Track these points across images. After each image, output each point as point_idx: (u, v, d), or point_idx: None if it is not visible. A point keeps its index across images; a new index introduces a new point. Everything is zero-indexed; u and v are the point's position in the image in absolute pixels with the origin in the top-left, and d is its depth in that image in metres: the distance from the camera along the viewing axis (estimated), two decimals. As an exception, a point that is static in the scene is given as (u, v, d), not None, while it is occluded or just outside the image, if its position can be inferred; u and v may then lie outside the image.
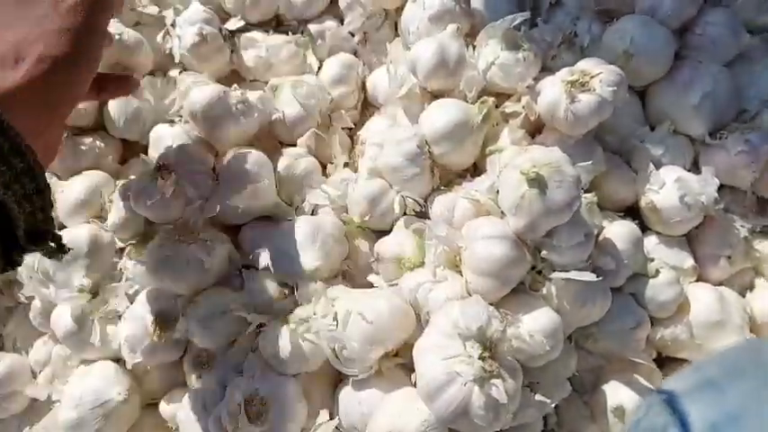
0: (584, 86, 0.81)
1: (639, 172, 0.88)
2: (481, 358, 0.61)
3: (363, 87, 1.05)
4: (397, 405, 0.68)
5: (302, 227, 0.83)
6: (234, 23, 1.02)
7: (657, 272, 0.82)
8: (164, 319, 0.79)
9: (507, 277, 0.71)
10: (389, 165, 0.84)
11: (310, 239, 0.82)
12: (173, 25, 0.99)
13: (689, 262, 0.86)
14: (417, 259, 0.81)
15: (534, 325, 0.70)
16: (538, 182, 0.69)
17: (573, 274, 0.71)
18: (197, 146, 0.88)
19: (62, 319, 0.84)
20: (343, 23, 1.07)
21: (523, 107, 0.86)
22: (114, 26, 0.91)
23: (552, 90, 0.82)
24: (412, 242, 0.83)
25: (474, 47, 0.91)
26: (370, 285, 0.85)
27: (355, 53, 1.08)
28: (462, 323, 0.63)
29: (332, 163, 0.96)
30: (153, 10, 0.99)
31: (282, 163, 0.91)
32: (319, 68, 1.04)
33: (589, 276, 0.70)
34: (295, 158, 0.91)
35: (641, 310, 0.81)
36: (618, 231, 0.80)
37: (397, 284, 0.80)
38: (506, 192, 0.73)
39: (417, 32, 0.94)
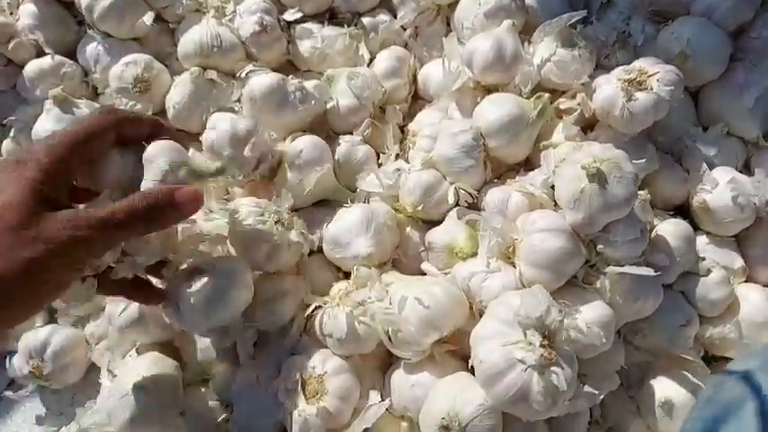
0: (641, 85, 0.82)
1: (692, 172, 0.89)
2: (542, 346, 0.62)
3: (414, 80, 1.07)
4: (453, 388, 0.69)
5: (357, 213, 0.85)
6: (291, 14, 1.04)
7: (709, 270, 0.83)
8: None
9: (562, 270, 0.73)
10: (444, 156, 0.85)
11: (364, 226, 0.84)
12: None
13: (739, 262, 0.87)
14: (469, 249, 0.83)
15: (590, 317, 0.71)
16: (598, 177, 0.70)
17: (629, 269, 0.72)
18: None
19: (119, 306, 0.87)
20: (395, 17, 1.09)
21: (578, 104, 0.87)
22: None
23: (609, 87, 0.83)
24: (464, 233, 0.84)
25: (529, 42, 0.92)
26: (420, 274, 0.86)
27: (406, 46, 1.09)
28: (523, 311, 0.64)
29: (384, 153, 0.97)
30: (214, 1, 1.02)
31: (341, 150, 0.93)
32: (371, 61, 1.06)
33: (646, 270, 0.71)
34: (353, 145, 0.93)
35: (691, 308, 0.82)
36: (671, 229, 0.81)
37: (449, 273, 0.82)
38: (564, 186, 0.74)
39: (472, 28, 0.96)
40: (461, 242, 0.84)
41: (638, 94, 0.81)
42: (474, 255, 0.82)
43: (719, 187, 0.85)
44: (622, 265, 0.74)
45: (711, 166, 0.89)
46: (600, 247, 0.74)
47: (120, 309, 0.87)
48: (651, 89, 0.81)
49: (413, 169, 0.89)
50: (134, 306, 0.86)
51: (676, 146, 0.93)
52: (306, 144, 0.88)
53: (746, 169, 0.91)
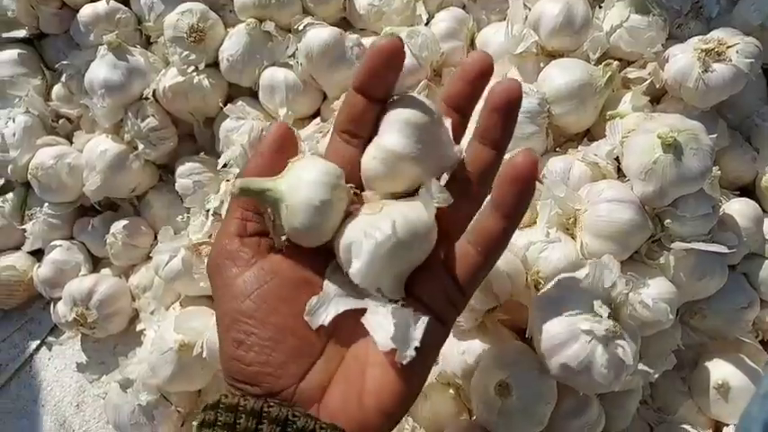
0: (719, 56, 0.78)
1: (762, 150, 0.85)
2: (609, 318, 0.61)
3: (472, 44, 1.03)
4: (508, 356, 0.68)
5: None
6: (350, -30, 1.01)
7: (775, 254, 0.80)
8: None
9: (628, 243, 0.71)
10: (507, 120, 0.83)
11: None
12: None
13: (804, 248, 0.84)
14: (528, 219, 0.81)
15: (654, 293, 0.69)
16: (674, 147, 0.67)
17: (698, 245, 0.69)
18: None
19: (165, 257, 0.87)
20: (455, -22, 1.05)
21: (649, 74, 0.84)
22: None
23: (684, 57, 0.79)
24: None
25: (600, 6, 0.89)
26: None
27: (464, 8, 1.06)
28: (591, 281, 0.62)
29: (437, 118, 0.95)
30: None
31: None
32: (428, 21, 1.03)
33: (717, 247, 0.69)
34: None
35: (753, 291, 0.80)
36: (740, 208, 0.79)
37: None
38: (635, 156, 0.71)
39: (540, -10, 0.92)
40: None
41: (716, 65, 0.77)
42: (532, 225, 0.80)
43: (790, 167, 0.81)
44: (689, 242, 0.71)
45: (781, 148, 0.85)
46: (667, 221, 0.71)
47: (165, 259, 0.87)
48: (729, 61, 0.77)
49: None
50: (179, 257, 0.86)
51: (746, 123, 0.89)
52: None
53: (819, 152, 0.87)
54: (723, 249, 0.69)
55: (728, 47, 0.78)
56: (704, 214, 0.70)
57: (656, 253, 0.73)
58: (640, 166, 0.70)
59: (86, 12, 0.98)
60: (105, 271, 1.01)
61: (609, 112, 0.82)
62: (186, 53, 0.94)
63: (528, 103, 0.81)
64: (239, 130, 0.88)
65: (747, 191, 0.88)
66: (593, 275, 0.63)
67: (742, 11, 0.88)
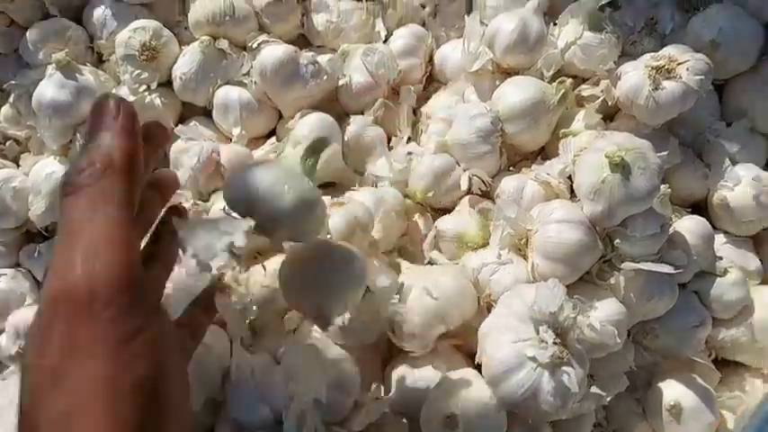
0: (669, 73, 0.78)
1: (713, 167, 0.86)
2: (555, 344, 0.60)
3: (430, 61, 1.03)
4: (458, 385, 0.67)
5: (365, 198, 0.82)
6: (308, -15, 1.00)
7: (726, 271, 0.80)
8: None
9: (578, 264, 0.70)
10: (460, 140, 0.82)
11: (372, 209, 0.81)
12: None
13: (755, 264, 0.84)
14: (481, 240, 0.80)
15: (603, 314, 0.69)
16: (622, 166, 0.67)
17: (646, 265, 0.69)
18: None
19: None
20: (415, -7, 1.05)
21: (602, 91, 0.84)
22: None
23: (635, 74, 0.79)
24: (475, 222, 0.82)
25: (554, 24, 0.89)
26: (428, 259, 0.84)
27: (424, 25, 1.05)
28: (537, 306, 0.62)
29: (395, 136, 0.94)
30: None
31: (351, 130, 0.90)
32: (387, 38, 1.02)
33: (665, 267, 0.69)
34: (364, 126, 0.90)
35: (704, 309, 0.80)
36: (689, 226, 0.79)
37: (458, 263, 0.79)
38: (585, 175, 0.71)
39: (496, 7, 0.92)
40: (472, 232, 0.81)
41: (666, 83, 0.78)
42: (485, 246, 0.80)
43: (741, 185, 0.82)
44: (638, 262, 0.71)
45: (734, 162, 0.86)
46: (617, 241, 0.71)
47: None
48: (680, 78, 0.78)
49: (426, 153, 0.87)
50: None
51: (698, 140, 0.90)
52: (313, 123, 0.85)
53: (768, 168, 0.88)
54: (670, 270, 0.69)
55: (679, 64, 0.79)
56: (653, 234, 0.70)
57: (607, 273, 0.73)
58: (589, 185, 0.70)
59: (35, 30, 0.96)
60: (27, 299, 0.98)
61: (562, 131, 0.82)
62: (138, 72, 0.92)
63: (481, 123, 0.81)
64: (189, 152, 0.87)
65: (699, 208, 0.88)
66: (539, 300, 0.62)
67: (694, 27, 0.89)
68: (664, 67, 0.78)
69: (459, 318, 0.73)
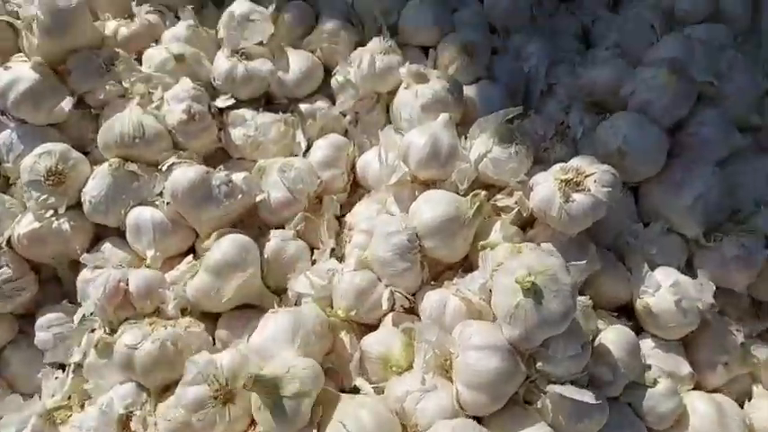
0: (578, 185, 0.79)
1: (634, 272, 0.86)
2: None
3: (353, 168, 1.03)
4: None
5: (283, 321, 0.78)
6: (223, 101, 1.00)
7: (656, 381, 0.78)
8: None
9: (500, 392, 0.68)
10: (379, 257, 0.80)
11: (290, 335, 0.77)
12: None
13: (685, 369, 0.83)
14: (405, 362, 0.77)
15: (530, 445, 0.65)
16: (533, 291, 0.66)
17: (570, 392, 0.67)
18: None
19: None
20: (334, 103, 1.06)
21: (516, 202, 0.84)
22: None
23: (545, 187, 0.80)
24: (399, 342, 0.79)
25: (466, 137, 0.90)
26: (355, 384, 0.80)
27: (346, 133, 1.06)
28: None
29: (318, 248, 0.92)
30: (139, 88, 0.97)
31: (270, 246, 0.88)
32: (308, 148, 1.02)
33: (587, 397, 0.67)
34: (284, 242, 0.88)
35: (639, 423, 0.77)
36: (614, 339, 0.77)
37: (383, 389, 0.75)
38: (500, 299, 0.70)
39: (410, 120, 0.93)
40: (397, 353, 0.78)
41: (576, 195, 0.78)
42: (410, 367, 0.77)
43: (662, 291, 0.82)
44: (564, 383, 0.69)
45: (653, 265, 0.86)
46: (539, 364, 0.69)
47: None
48: (588, 190, 0.79)
49: (346, 270, 0.84)
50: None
51: (618, 242, 0.91)
52: (226, 247, 0.82)
53: (689, 268, 0.88)
54: (591, 399, 0.67)
55: (586, 176, 0.80)
56: (574, 354, 0.69)
57: (534, 395, 0.70)
58: (504, 308, 0.68)
59: (-65, 157, 0.92)
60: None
61: (480, 243, 0.82)
62: (44, 197, 0.88)
63: (398, 240, 0.79)
64: (95, 282, 0.82)
65: (627, 309, 0.87)
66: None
67: (601, 133, 0.91)
68: (572, 179, 0.79)
69: (383, 455, 0.68)
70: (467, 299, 0.77)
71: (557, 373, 0.69)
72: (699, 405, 0.79)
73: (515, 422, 0.68)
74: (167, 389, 0.79)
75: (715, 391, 0.84)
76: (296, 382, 0.68)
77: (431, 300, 0.80)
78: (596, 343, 0.77)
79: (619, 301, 0.87)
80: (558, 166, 0.82)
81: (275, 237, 0.89)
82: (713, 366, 0.84)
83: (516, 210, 0.84)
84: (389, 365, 0.77)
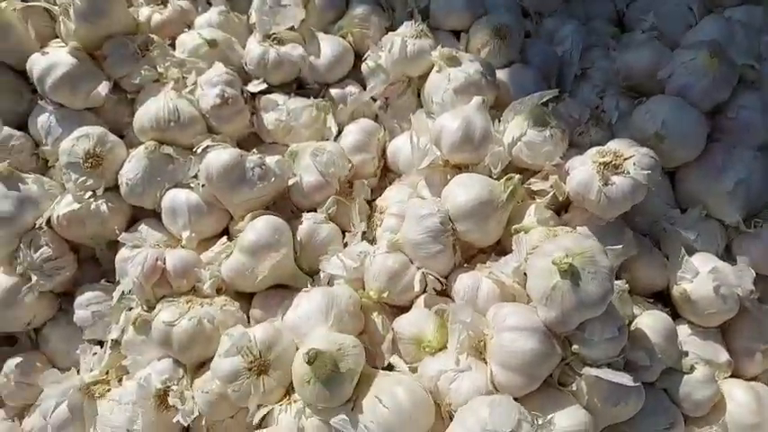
0: (617, 168, 0.78)
1: (671, 257, 0.84)
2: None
3: (384, 153, 1.03)
4: None
5: (317, 299, 0.79)
6: (255, 86, 1.01)
7: (693, 368, 0.77)
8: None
9: (536, 374, 0.67)
10: (411, 240, 0.80)
11: (324, 314, 0.77)
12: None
13: (723, 356, 0.81)
14: (438, 343, 0.77)
15: (565, 424, 0.65)
16: (570, 273, 0.65)
17: (607, 374, 0.66)
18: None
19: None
20: (365, 88, 1.06)
21: (551, 186, 0.83)
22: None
23: (584, 170, 0.79)
24: (432, 324, 0.78)
25: (499, 120, 0.89)
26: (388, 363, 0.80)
27: (376, 118, 1.06)
28: (491, 426, 0.58)
29: (349, 231, 0.92)
30: (173, 73, 0.98)
31: (303, 229, 0.88)
32: (339, 133, 1.02)
33: (625, 378, 0.66)
34: (316, 224, 0.89)
35: (675, 409, 0.76)
36: (651, 324, 0.76)
37: (417, 368, 0.76)
38: (536, 281, 0.69)
39: (442, 103, 0.92)
40: (429, 335, 0.78)
41: (615, 178, 0.78)
42: (443, 348, 0.76)
43: (700, 277, 0.80)
44: (600, 366, 0.68)
45: (691, 251, 0.84)
46: (575, 346, 0.68)
47: (52, 406, 0.80)
48: (627, 173, 0.78)
49: (378, 252, 0.84)
50: (64, 405, 0.79)
51: (654, 228, 0.89)
52: (260, 228, 0.83)
53: (728, 254, 0.86)
54: (629, 382, 0.66)
55: (625, 159, 0.79)
56: (611, 337, 0.68)
57: (569, 378, 0.70)
58: (540, 290, 0.68)
59: (-23, 141, 0.94)
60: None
61: (514, 227, 0.81)
62: (83, 179, 0.90)
63: (431, 223, 0.79)
64: (133, 261, 0.84)
65: (663, 295, 0.86)
66: (494, 420, 0.59)
67: (638, 118, 0.90)
68: (611, 162, 0.78)
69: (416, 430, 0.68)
70: (500, 281, 0.76)
71: (593, 356, 0.69)
72: (737, 393, 0.78)
73: (550, 403, 0.68)
74: (203, 365, 0.80)
75: (753, 379, 0.83)
76: (349, 359, 0.69)
77: (464, 282, 0.80)
78: (633, 327, 0.76)
79: (655, 287, 0.86)
80: (594, 150, 0.81)
81: (308, 219, 0.90)
82: (752, 354, 0.82)
83: (551, 194, 0.83)
84: (422, 346, 0.77)
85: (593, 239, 0.70)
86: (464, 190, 0.80)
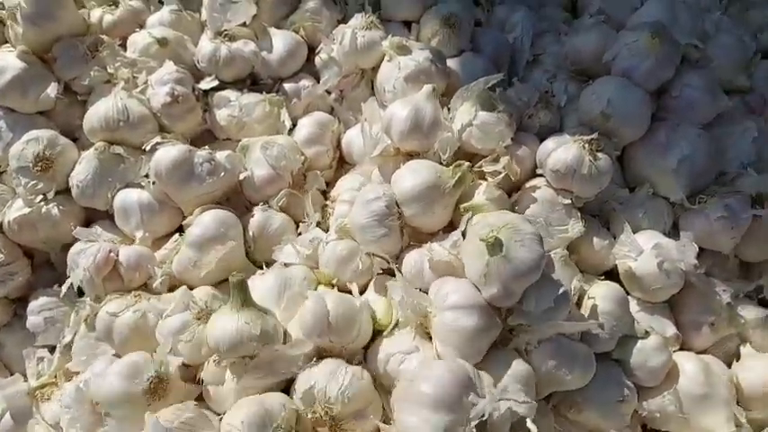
0: (598, 146, 0.83)
1: (618, 237, 0.85)
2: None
3: (339, 145, 1.03)
4: None
5: (270, 280, 0.80)
6: (207, 83, 1.01)
7: (647, 332, 0.79)
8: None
9: (477, 348, 0.69)
10: (357, 224, 0.81)
11: (277, 295, 0.78)
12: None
13: (671, 330, 0.82)
14: (387, 320, 0.78)
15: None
16: (499, 245, 0.67)
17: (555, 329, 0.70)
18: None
19: None
20: (319, 81, 1.06)
21: (504, 167, 0.84)
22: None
23: (568, 149, 0.83)
24: (381, 304, 0.79)
25: (449, 109, 0.90)
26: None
27: (332, 111, 1.06)
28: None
29: (304, 222, 0.93)
30: (124, 73, 0.98)
31: (255, 221, 0.88)
32: (293, 127, 1.03)
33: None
34: (268, 215, 0.89)
35: (628, 383, 0.77)
36: (603, 293, 0.78)
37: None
38: (471, 263, 0.70)
39: (393, 91, 0.93)
40: (380, 313, 0.78)
41: (599, 154, 0.83)
42: (394, 325, 0.77)
43: (644, 254, 0.81)
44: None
45: (639, 229, 0.86)
46: (515, 319, 0.70)
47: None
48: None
49: (329, 239, 0.85)
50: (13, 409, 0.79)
51: (605, 208, 0.90)
52: (206, 222, 0.83)
53: (675, 231, 0.88)
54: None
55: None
56: (548, 308, 0.69)
57: (509, 340, 0.72)
58: (477, 271, 0.69)
59: (-74, 146, 0.94)
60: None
61: (462, 205, 0.82)
62: (33, 182, 0.90)
63: (376, 207, 0.80)
64: (86, 251, 0.84)
65: (612, 275, 0.87)
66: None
67: (585, 99, 0.91)
68: (593, 140, 0.83)
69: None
70: (443, 259, 0.77)
71: (535, 328, 0.70)
72: (686, 364, 0.79)
73: (493, 363, 0.69)
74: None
75: (703, 352, 0.84)
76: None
77: (409, 260, 0.81)
78: (586, 298, 0.78)
79: (604, 266, 0.87)
80: (571, 131, 0.87)
81: (258, 211, 0.90)
82: (699, 327, 0.83)
83: (502, 175, 0.84)
84: (375, 326, 0.78)
85: (513, 213, 0.74)
86: (411, 175, 0.81)
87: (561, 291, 0.71)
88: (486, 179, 0.87)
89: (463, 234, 0.75)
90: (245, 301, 0.71)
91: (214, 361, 0.72)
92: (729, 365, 0.83)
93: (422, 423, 0.62)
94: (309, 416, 0.67)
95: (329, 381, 0.67)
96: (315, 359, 0.72)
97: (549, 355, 0.71)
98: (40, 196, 0.91)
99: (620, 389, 0.77)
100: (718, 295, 0.83)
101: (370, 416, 0.69)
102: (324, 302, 0.71)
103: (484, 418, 0.60)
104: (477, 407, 0.61)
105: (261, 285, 0.80)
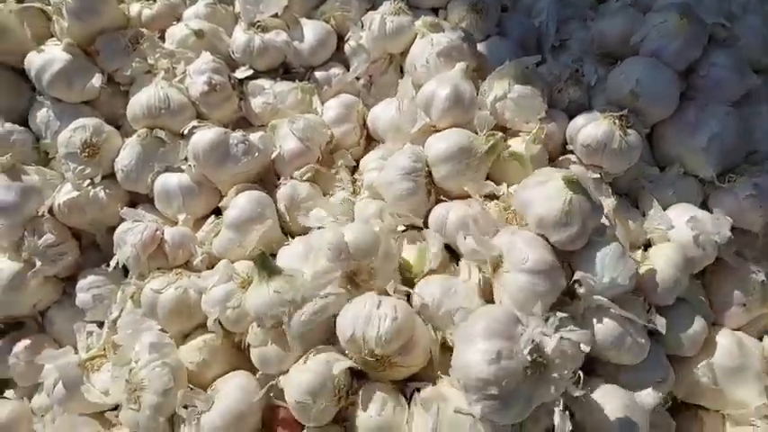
0: (627, 122, 0.84)
1: (648, 214, 0.86)
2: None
3: (365, 124, 1.06)
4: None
5: (297, 247, 0.83)
6: (242, 72, 1.04)
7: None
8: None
9: (546, 303, 0.70)
10: (385, 180, 0.84)
11: (304, 254, 0.80)
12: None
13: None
14: (420, 268, 0.80)
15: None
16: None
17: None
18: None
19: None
20: (348, 69, 1.09)
21: (538, 139, 0.86)
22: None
23: (598, 125, 0.85)
24: (414, 254, 0.82)
25: (478, 91, 0.91)
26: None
27: (359, 96, 1.09)
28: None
29: (331, 194, 0.95)
30: (163, 64, 1.02)
31: (283, 192, 0.92)
32: (324, 113, 1.06)
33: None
34: (294, 186, 0.92)
35: (669, 366, 0.78)
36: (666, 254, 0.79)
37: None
38: (547, 204, 0.72)
39: (426, 66, 0.94)
40: (412, 261, 0.81)
41: (629, 129, 0.84)
42: (430, 272, 0.79)
43: (679, 226, 0.82)
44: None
45: (669, 208, 0.86)
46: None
47: (52, 382, 0.84)
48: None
49: (358, 201, 0.88)
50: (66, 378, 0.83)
51: (634, 186, 0.91)
52: (241, 204, 0.87)
53: (705, 209, 0.88)
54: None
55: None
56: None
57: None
58: (556, 212, 0.71)
59: (-21, 137, 0.99)
60: (9, 393, 0.98)
61: (507, 150, 0.85)
62: (81, 167, 0.94)
63: (404, 162, 0.82)
64: (133, 230, 0.88)
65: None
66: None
67: (613, 79, 0.92)
68: (622, 116, 0.84)
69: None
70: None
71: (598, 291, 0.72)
72: (721, 339, 0.80)
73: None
74: (187, 337, 0.84)
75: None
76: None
77: (436, 212, 0.83)
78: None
79: (635, 244, 0.87)
80: (600, 108, 0.88)
81: (285, 183, 0.93)
82: (732, 307, 0.83)
83: (537, 134, 0.86)
84: (407, 276, 0.80)
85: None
86: (445, 137, 0.84)
87: (629, 263, 0.73)
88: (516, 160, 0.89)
89: None
90: (272, 270, 0.74)
91: (258, 325, 0.75)
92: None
93: (476, 352, 0.62)
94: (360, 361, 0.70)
95: (366, 327, 0.68)
96: (348, 287, 0.75)
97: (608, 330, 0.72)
98: (88, 180, 0.95)
99: (662, 371, 0.77)
100: (752, 274, 0.84)
101: (417, 346, 0.71)
102: (341, 231, 0.74)
103: (534, 343, 0.61)
104: (526, 332, 0.62)
105: (288, 252, 0.83)
